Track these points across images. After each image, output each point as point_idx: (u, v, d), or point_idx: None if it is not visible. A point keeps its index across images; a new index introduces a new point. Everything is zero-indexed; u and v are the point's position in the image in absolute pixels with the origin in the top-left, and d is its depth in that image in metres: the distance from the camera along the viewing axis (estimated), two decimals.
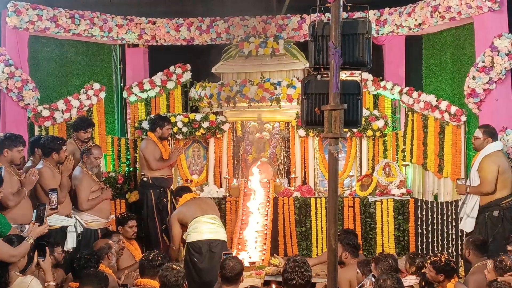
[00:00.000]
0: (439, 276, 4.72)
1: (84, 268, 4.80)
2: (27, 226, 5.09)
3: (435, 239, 7.22)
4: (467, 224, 6.18)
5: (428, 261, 4.80)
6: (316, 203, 7.51)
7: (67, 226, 6.00)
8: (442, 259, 4.73)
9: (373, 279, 4.34)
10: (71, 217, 6.07)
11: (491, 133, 6.18)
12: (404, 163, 7.99)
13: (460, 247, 6.87)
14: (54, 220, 5.84)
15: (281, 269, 6.10)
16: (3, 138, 5.55)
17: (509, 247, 5.14)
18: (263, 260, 6.84)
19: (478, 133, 6.23)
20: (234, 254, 6.59)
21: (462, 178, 6.51)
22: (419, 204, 7.33)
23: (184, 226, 6.04)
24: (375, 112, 7.97)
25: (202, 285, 5.72)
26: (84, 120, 7.12)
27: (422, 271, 4.92)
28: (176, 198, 6.42)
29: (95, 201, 6.28)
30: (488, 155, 6.10)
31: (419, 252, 5.66)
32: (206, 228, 5.89)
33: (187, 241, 5.95)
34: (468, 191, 6.21)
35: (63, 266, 5.51)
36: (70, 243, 5.95)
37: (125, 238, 6.27)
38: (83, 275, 4.59)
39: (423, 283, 4.92)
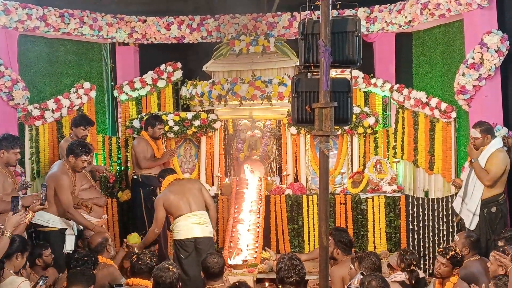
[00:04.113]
0: (454, 271, 4.77)
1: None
2: None
3: (426, 235, 7.25)
4: (473, 223, 6.16)
5: (447, 257, 4.76)
6: (308, 201, 7.53)
7: (66, 229, 5.94)
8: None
9: (362, 277, 4.37)
10: (70, 219, 6.01)
11: (488, 130, 6.13)
12: (395, 160, 8.02)
13: (451, 243, 6.91)
14: (54, 222, 5.84)
15: (274, 267, 6.15)
16: (1, 138, 5.51)
17: (500, 243, 5.18)
18: (255, 258, 6.85)
19: (475, 133, 6.13)
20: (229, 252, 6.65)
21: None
22: (410, 200, 7.36)
23: (168, 213, 6.14)
24: (366, 109, 7.99)
25: (188, 279, 5.79)
26: (85, 118, 7.17)
27: (411, 268, 4.95)
28: (159, 180, 6.34)
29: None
30: (497, 150, 6.05)
31: (410, 249, 5.69)
32: (192, 227, 5.96)
33: (174, 238, 6.04)
34: (472, 163, 6.11)
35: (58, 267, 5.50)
36: (69, 246, 5.88)
37: None
38: (70, 274, 4.57)
39: (413, 281, 4.96)
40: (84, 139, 6.86)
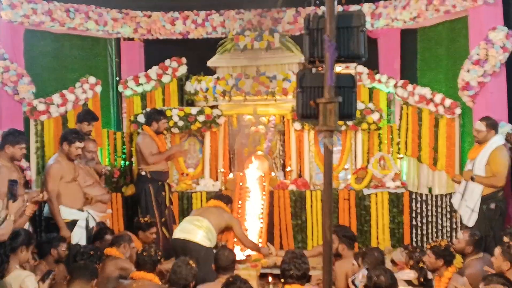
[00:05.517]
0: (438, 262, 4.76)
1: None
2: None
3: (429, 231, 7.26)
4: (472, 219, 6.16)
5: (428, 247, 4.84)
6: (311, 196, 7.55)
7: (78, 220, 5.92)
8: (442, 244, 4.81)
9: (366, 273, 4.37)
10: (82, 211, 6.01)
11: (493, 125, 6.14)
12: (399, 156, 8.02)
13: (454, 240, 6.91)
14: (66, 214, 5.81)
15: (277, 262, 6.16)
16: (6, 133, 5.52)
17: (505, 238, 5.18)
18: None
19: (481, 126, 6.14)
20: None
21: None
22: (413, 196, 7.37)
23: None
24: (370, 105, 7.98)
25: None
26: (90, 113, 7.15)
27: (420, 265, 4.95)
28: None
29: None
30: (497, 148, 6.05)
31: (419, 246, 5.70)
32: (180, 228, 6.00)
33: None
34: (475, 180, 6.11)
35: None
36: (77, 238, 5.85)
37: (143, 243, 6.10)
38: (73, 267, 4.56)
39: (421, 279, 4.95)
40: (88, 134, 6.88)
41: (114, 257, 5.31)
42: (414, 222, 7.34)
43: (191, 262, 4.39)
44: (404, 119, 8.05)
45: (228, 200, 6.53)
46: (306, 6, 4.13)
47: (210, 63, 8.33)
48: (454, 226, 7.04)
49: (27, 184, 6.92)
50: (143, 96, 8.57)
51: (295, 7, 8.57)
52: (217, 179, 8.13)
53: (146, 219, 6.33)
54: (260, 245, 7.00)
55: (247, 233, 7.01)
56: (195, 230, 5.87)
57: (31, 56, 7.78)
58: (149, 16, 8.72)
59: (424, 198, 7.32)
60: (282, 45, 8.19)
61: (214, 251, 5.91)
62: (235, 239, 6.64)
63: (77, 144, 5.87)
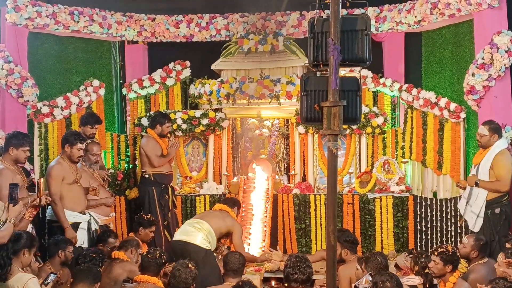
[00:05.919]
0: (446, 267, 4.70)
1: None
2: None
3: (434, 236, 7.23)
4: (477, 224, 6.12)
5: (435, 253, 4.78)
6: (315, 200, 7.52)
7: (80, 223, 5.91)
8: (449, 249, 4.75)
9: (370, 278, 4.33)
10: (84, 214, 5.99)
11: (496, 129, 6.10)
12: (403, 160, 7.99)
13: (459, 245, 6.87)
14: (67, 216, 5.79)
15: (280, 266, 6.14)
16: (11, 136, 5.51)
17: (507, 245, 5.15)
18: None
19: (484, 130, 6.10)
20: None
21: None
22: (418, 201, 7.33)
23: None
24: (375, 109, 7.97)
25: None
26: (93, 116, 7.15)
27: (426, 271, 4.91)
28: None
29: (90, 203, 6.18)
30: (500, 153, 6.01)
31: (424, 251, 5.63)
32: (181, 230, 6.02)
33: None
34: (479, 185, 6.07)
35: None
36: (79, 240, 5.83)
37: (141, 240, 6.16)
38: (77, 270, 4.55)
39: (427, 285, 4.91)
40: (92, 137, 6.87)
41: (122, 260, 5.30)
42: (418, 227, 7.30)
43: (190, 265, 4.37)
44: (408, 123, 8.03)
45: (234, 203, 6.44)
46: (311, 10, 4.10)
47: (214, 66, 8.33)
48: (459, 230, 7.00)
49: (32, 187, 6.91)
50: (147, 99, 8.58)
51: (299, 10, 8.56)
52: (220, 183, 8.11)
53: (148, 216, 6.45)
54: (263, 249, 6.98)
55: (248, 241, 7.02)
56: (195, 232, 5.82)
57: (35, 58, 7.80)
58: (153, 19, 8.73)
59: (428, 202, 7.29)
60: (286, 48, 8.19)
61: (214, 254, 5.94)
62: None
63: (79, 145, 5.86)
